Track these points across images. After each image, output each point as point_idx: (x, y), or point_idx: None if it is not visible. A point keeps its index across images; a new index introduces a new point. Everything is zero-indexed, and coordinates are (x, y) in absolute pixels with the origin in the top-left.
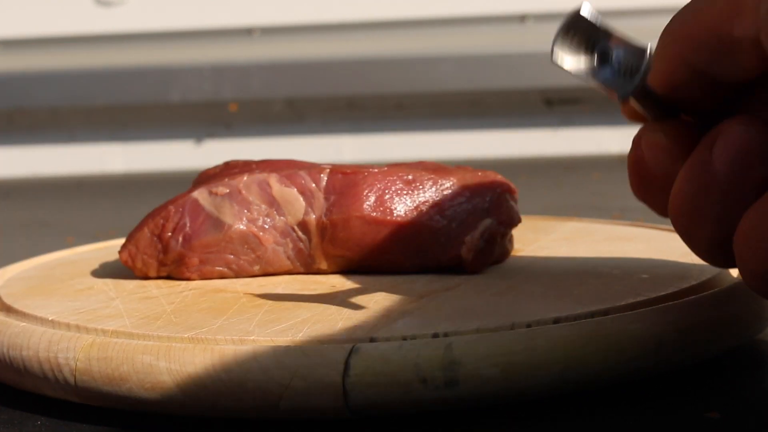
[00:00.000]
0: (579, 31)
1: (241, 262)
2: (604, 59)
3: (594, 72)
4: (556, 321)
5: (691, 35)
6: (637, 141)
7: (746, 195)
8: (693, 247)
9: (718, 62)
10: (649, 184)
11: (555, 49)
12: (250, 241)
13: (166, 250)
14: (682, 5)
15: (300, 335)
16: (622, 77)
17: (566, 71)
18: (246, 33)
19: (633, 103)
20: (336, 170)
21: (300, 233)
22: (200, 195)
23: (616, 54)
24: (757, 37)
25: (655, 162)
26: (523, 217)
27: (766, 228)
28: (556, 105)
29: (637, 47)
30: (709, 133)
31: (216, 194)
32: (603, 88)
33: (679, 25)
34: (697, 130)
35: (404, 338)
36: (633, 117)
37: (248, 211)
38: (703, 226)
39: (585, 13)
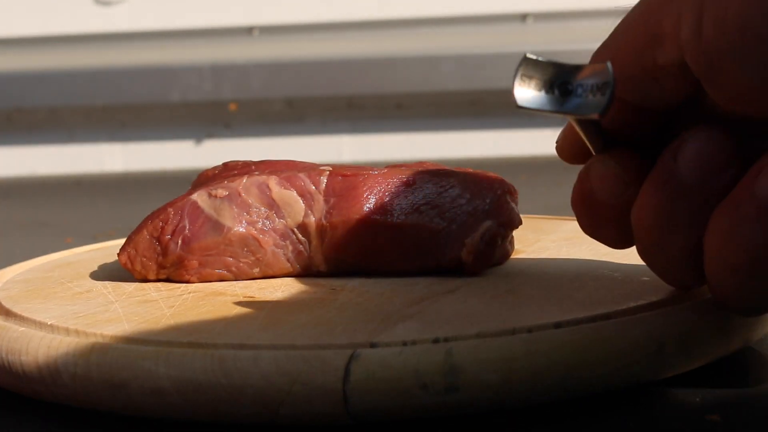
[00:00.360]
0: (533, 72)
1: (241, 264)
2: (565, 92)
3: (561, 105)
4: (558, 326)
5: (614, 70)
6: (584, 175)
7: (714, 198)
8: (663, 262)
9: (645, 92)
10: (601, 216)
11: (517, 95)
12: (249, 244)
13: (165, 252)
14: None
15: (300, 340)
16: (592, 98)
17: (535, 112)
18: (246, 33)
19: (583, 135)
20: (335, 172)
21: (300, 236)
22: (199, 197)
23: (577, 80)
24: (682, 60)
25: (607, 191)
26: (524, 217)
27: (739, 217)
28: None
29: (595, 65)
30: (670, 145)
31: (215, 196)
32: (575, 116)
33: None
34: (641, 156)
35: (404, 344)
36: (569, 158)
37: (248, 213)
38: (675, 234)
39: (532, 55)
